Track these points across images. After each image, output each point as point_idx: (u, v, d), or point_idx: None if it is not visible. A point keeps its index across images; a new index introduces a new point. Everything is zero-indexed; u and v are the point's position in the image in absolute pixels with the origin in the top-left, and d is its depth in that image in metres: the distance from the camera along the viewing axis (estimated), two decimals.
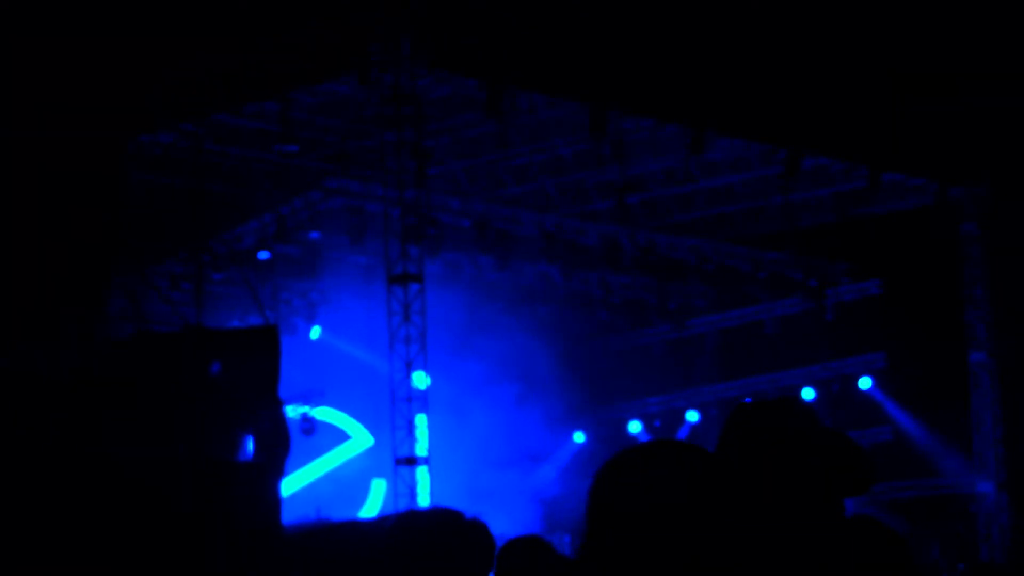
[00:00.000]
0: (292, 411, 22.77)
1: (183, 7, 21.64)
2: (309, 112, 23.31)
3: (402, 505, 20.17)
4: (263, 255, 24.65)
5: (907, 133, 24.31)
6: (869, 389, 27.56)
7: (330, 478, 26.30)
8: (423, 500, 20.46)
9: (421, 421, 21.66)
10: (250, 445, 18.36)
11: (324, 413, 26.17)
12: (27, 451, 17.41)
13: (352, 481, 26.18)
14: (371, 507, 26.11)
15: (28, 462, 17.08)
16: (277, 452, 18.36)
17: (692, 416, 29.28)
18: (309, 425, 25.35)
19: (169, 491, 17.24)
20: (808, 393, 27.60)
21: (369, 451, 26.36)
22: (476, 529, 5.21)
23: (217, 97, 22.69)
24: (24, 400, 19.13)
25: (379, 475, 24.96)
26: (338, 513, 24.28)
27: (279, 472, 18.49)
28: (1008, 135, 24.59)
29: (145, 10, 21.01)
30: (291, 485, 23.66)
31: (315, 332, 26.25)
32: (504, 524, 12.31)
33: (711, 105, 23.70)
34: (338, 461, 26.69)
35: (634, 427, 29.93)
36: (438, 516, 5.22)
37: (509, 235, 25.55)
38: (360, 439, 26.72)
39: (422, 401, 21.79)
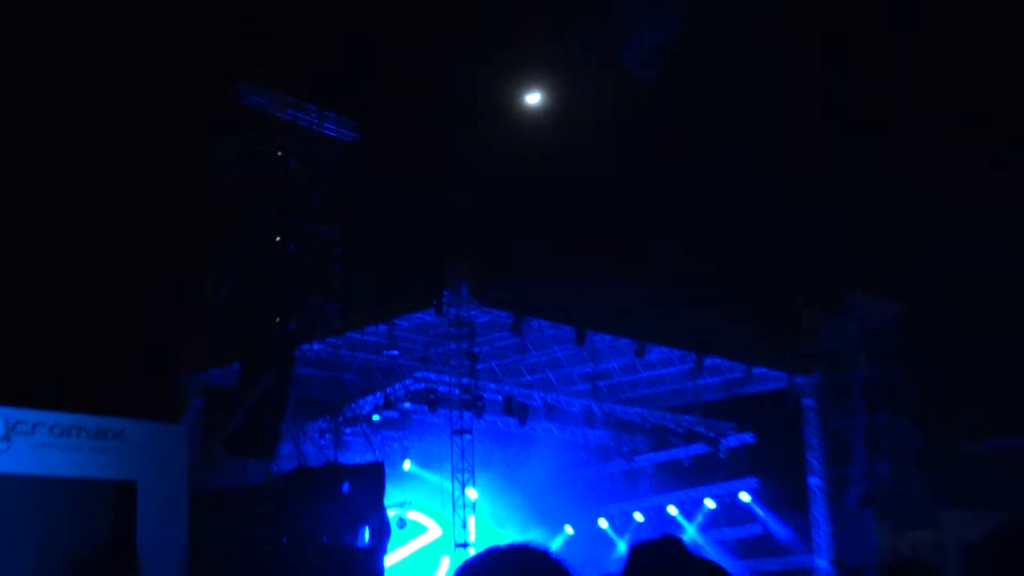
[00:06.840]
0: (392, 513, 23.70)
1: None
2: (405, 331, 25.75)
3: None
4: (376, 417, 26.30)
5: (766, 343, 27.28)
6: (748, 502, 28.81)
7: (414, 556, 26.94)
8: None
9: (471, 520, 23.90)
10: (366, 535, 21.80)
11: (412, 515, 27.24)
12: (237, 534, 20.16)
13: (428, 558, 27.07)
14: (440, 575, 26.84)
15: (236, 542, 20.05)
16: (383, 539, 21.95)
17: (639, 516, 29.92)
18: (403, 523, 26.41)
19: (318, 567, 20.60)
20: (710, 503, 28.85)
21: (439, 539, 27.04)
22: (556, 563, 4.08)
23: (348, 322, 24.90)
24: (238, 500, 21.10)
25: (445, 553, 25.85)
26: None
27: (383, 552, 21.90)
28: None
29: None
30: (392, 560, 23.97)
31: (407, 465, 27.59)
32: None
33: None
34: (421, 545, 27.41)
35: (602, 522, 30.39)
36: (519, 549, 4.12)
37: (527, 406, 27.35)
38: (434, 531, 27.41)
39: (472, 507, 24.00)
